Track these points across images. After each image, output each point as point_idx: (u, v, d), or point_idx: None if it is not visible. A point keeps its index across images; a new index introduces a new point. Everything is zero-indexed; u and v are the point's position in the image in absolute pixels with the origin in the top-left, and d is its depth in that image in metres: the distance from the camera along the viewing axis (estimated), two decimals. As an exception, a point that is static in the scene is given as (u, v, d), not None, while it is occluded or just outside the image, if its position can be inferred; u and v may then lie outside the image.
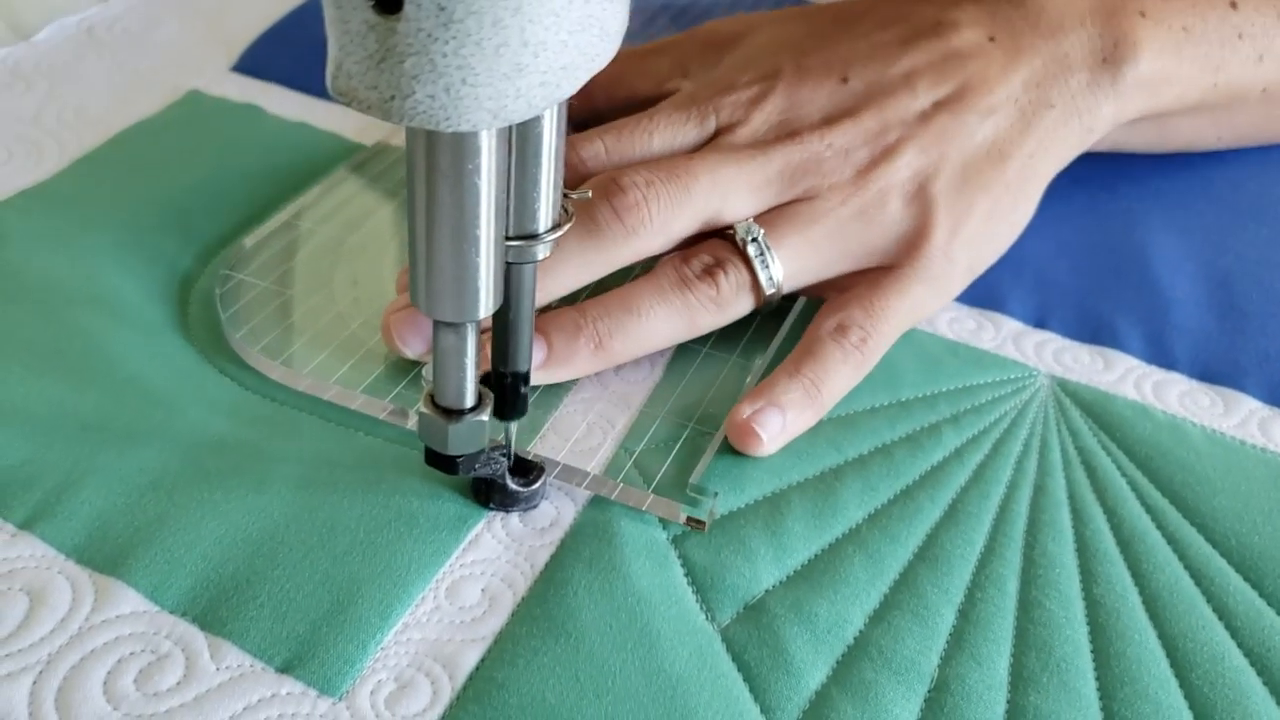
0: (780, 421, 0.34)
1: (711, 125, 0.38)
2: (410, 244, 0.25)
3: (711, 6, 0.57)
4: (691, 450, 0.34)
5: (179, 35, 0.53)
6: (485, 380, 0.30)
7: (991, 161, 0.39)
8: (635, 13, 0.56)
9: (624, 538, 0.31)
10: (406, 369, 0.36)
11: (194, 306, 0.38)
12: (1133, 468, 0.35)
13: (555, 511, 0.32)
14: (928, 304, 0.38)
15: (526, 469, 0.32)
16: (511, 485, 0.31)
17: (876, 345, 0.36)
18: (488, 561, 0.31)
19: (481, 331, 0.28)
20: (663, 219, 0.35)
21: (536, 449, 0.34)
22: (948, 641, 0.30)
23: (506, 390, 0.30)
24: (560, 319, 0.34)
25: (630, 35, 0.40)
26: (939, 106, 0.38)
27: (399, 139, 0.47)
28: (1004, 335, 0.40)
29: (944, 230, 0.37)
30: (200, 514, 0.30)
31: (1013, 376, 0.38)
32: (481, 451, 0.30)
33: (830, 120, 0.38)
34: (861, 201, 0.37)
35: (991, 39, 0.40)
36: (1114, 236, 0.45)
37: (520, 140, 0.26)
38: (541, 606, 0.29)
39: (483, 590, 0.30)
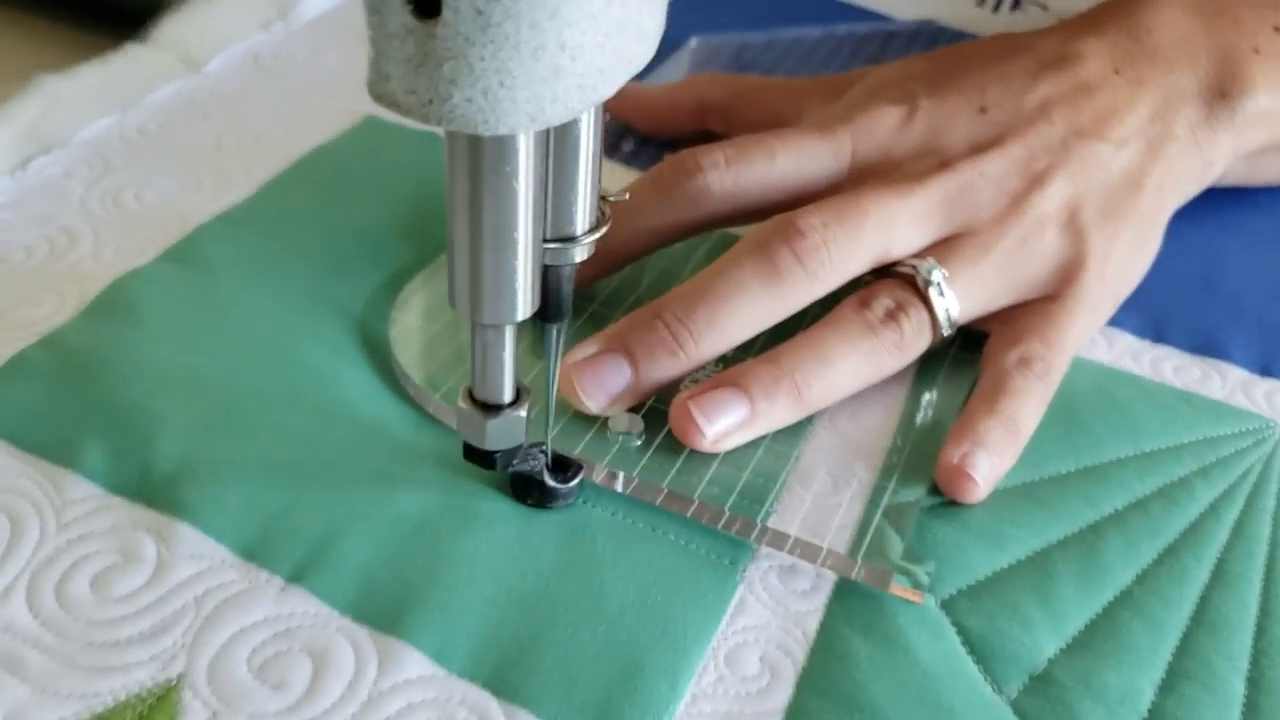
0: (989, 462, 0.33)
1: (846, 150, 0.38)
2: (449, 246, 0.25)
3: (788, 50, 0.56)
4: (892, 503, 0.33)
5: (341, 62, 0.52)
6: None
7: (1129, 191, 0.39)
8: (711, 57, 0.55)
9: (892, 603, 0.30)
10: (589, 415, 0.34)
11: (366, 332, 0.37)
12: None
13: (815, 573, 0.31)
14: (1088, 333, 0.38)
15: (565, 465, 0.32)
16: (550, 482, 0.31)
17: (1057, 376, 0.36)
18: (759, 629, 0.30)
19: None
20: (840, 260, 0.34)
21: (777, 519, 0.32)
22: (1243, 713, 0.29)
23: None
24: (757, 372, 0.34)
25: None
26: (1076, 136, 0.38)
27: None
28: (1232, 384, 0.39)
29: (1098, 258, 0.37)
30: (469, 569, 0.30)
31: (1252, 428, 0.37)
32: (519, 447, 0.30)
33: (978, 149, 0.38)
34: (1021, 231, 0.37)
35: (1116, 71, 0.40)
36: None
37: (558, 143, 0.26)
38: (827, 679, 0.28)
39: (761, 659, 0.29)
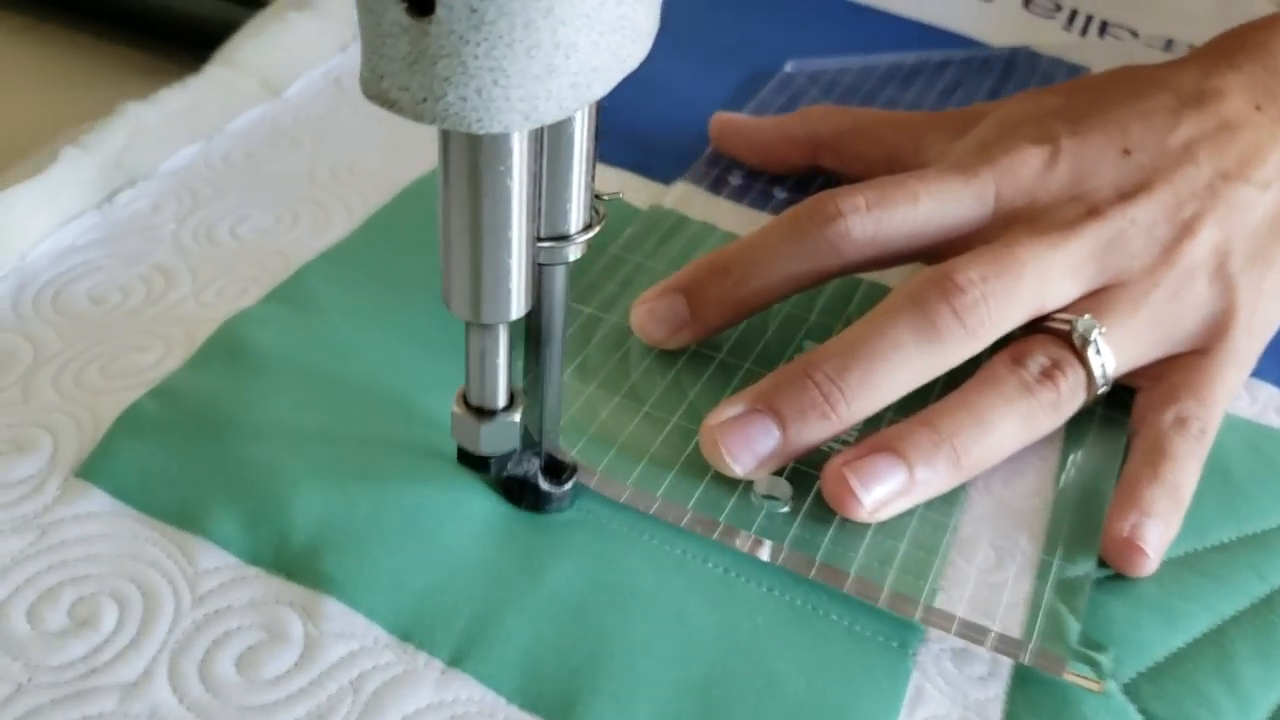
0: (1158, 533, 0.32)
1: (990, 193, 0.36)
2: (441, 245, 0.25)
3: (864, 77, 0.55)
4: (1061, 579, 0.31)
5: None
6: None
7: (1273, 236, 0.37)
8: (807, 84, 0.54)
9: (1073, 690, 0.29)
10: (731, 478, 0.32)
11: None
12: None
13: (990, 656, 0.29)
14: (1238, 387, 0.36)
15: (558, 469, 0.31)
16: (544, 486, 0.31)
17: (1212, 435, 0.35)
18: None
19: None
20: (999, 316, 0.33)
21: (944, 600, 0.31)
22: None
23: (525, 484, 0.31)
24: (914, 436, 0.32)
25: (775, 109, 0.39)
26: (1222, 179, 0.37)
27: (673, 200, 0.44)
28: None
29: (1246, 309, 0.36)
30: (633, 654, 0.28)
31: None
32: (514, 452, 0.30)
33: (1125, 194, 0.36)
34: (1173, 283, 0.35)
35: (1257, 108, 0.39)
36: None
37: (552, 142, 0.26)
38: (1020, 771, 0.27)
39: (949, 751, 0.27)
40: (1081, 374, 0.34)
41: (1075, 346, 0.34)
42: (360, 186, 0.44)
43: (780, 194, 0.45)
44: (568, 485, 0.31)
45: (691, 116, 0.49)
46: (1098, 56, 0.57)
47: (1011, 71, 0.55)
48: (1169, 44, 0.59)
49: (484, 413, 0.29)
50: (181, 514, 0.30)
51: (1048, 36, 0.59)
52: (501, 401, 0.28)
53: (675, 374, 0.36)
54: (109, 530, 0.30)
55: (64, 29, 0.69)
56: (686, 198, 0.44)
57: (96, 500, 0.31)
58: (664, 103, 0.50)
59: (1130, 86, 0.40)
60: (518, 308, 0.26)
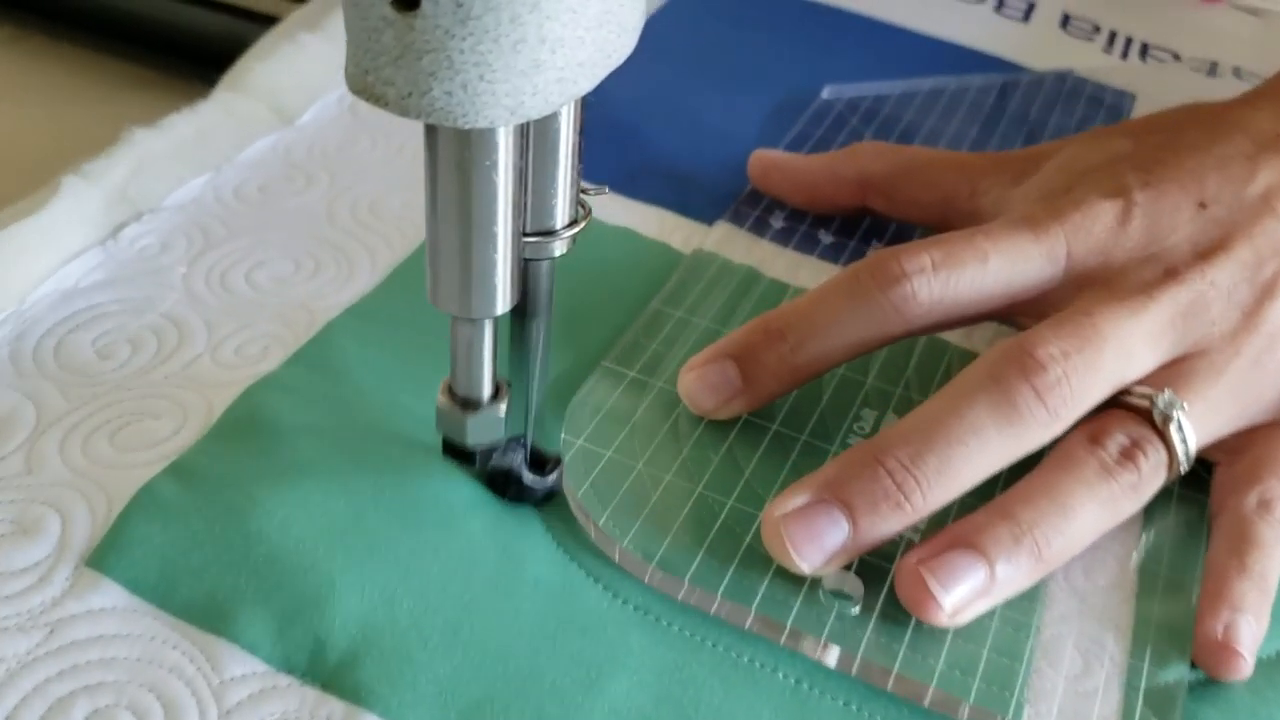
0: (1251, 631, 0.30)
1: (1061, 252, 0.34)
2: (428, 240, 0.25)
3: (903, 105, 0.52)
4: (1152, 686, 0.29)
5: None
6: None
7: None
8: (847, 112, 0.52)
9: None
10: (796, 575, 0.30)
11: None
12: None
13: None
14: None
15: (543, 461, 0.31)
16: (528, 478, 0.31)
17: None
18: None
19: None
20: (1081, 394, 0.31)
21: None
22: None
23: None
24: (993, 530, 0.30)
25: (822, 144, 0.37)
26: None
27: (714, 243, 0.42)
28: None
29: None
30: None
31: None
32: (499, 443, 0.30)
33: (1204, 254, 0.34)
34: (1254, 350, 0.33)
35: None
36: None
37: (538, 137, 0.26)
38: None
39: None
40: (1163, 453, 0.32)
41: (1156, 424, 0.32)
42: (384, 230, 0.41)
43: (826, 238, 0.43)
44: (551, 476, 0.31)
45: (728, 148, 0.47)
46: (1142, 80, 0.55)
47: (1057, 95, 0.53)
48: (1213, 67, 0.57)
49: (470, 404, 0.29)
50: (205, 612, 0.28)
51: (1088, 59, 0.57)
52: (487, 394, 0.29)
53: (728, 448, 0.34)
54: (125, 629, 0.28)
55: (56, 41, 0.67)
56: (728, 240, 0.42)
57: (110, 594, 0.28)
58: (698, 134, 0.48)
59: (1203, 129, 0.38)
60: (504, 303, 0.26)
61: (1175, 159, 0.36)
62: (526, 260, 0.27)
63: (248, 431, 0.32)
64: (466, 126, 0.22)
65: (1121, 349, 0.32)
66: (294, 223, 0.41)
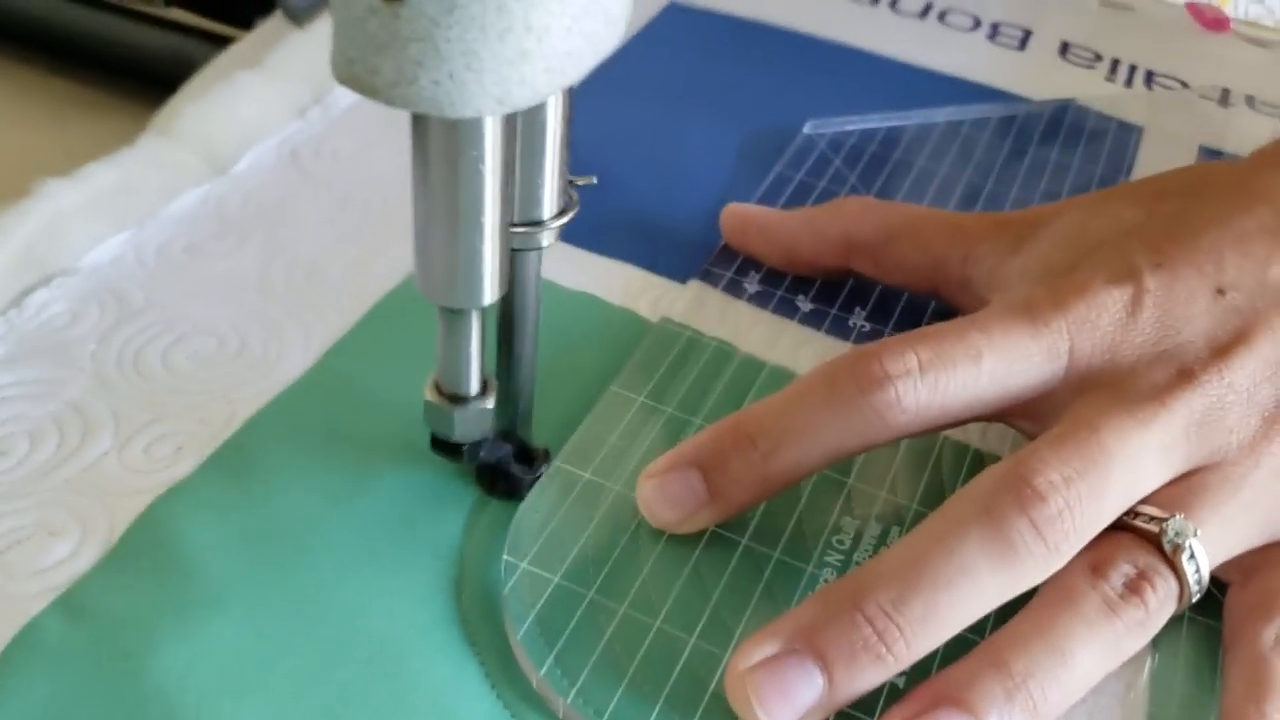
0: None
1: (1063, 348, 0.30)
2: (415, 230, 0.25)
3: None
4: None
5: (395, 158, 0.44)
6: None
7: None
8: (830, 150, 0.48)
9: None
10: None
11: (469, 594, 0.29)
12: None
13: None
14: None
15: (530, 455, 0.32)
16: (516, 472, 0.31)
17: None
18: None
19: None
20: (1085, 524, 0.27)
21: None
22: None
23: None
24: (983, 684, 0.26)
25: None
26: None
27: (685, 307, 0.38)
28: None
29: None
30: None
31: None
32: (486, 438, 0.30)
33: (1221, 350, 0.30)
34: (1276, 460, 0.30)
35: None
36: None
37: (525, 127, 0.26)
38: None
39: None
40: (1173, 584, 0.28)
41: (1165, 551, 0.28)
42: (320, 301, 0.37)
43: (805, 305, 0.39)
44: (540, 471, 0.31)
45: (702, 192, 0.43)
46: (1150, 110, 0.51)
47: (1057, 128, 0.49)
48: (1225, 95, 0.53)
49: (457, 399, 0.29)
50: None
51: (1089, 88, 0.53)
52: (474, 388, 0.29)
53: (693, 567, 0.30)
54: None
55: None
56: (700, 304, 0.38)
57: (-16, 756, 0.25)
58: (669, 178, 0.44)
59: (1220, 197, 0.34)
60: (491, 293, 0.26)
61: (1190, 235, 0.33)
62: (514, 251, 0.28)
63: (151, 555, 0.29)
64: (453, 116, 0.22)
65: (1130, 468, 0.28)
66: (221, 289, 0.37)
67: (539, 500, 0.31)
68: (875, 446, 0.30)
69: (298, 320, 0.36)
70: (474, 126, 0.23)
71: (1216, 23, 0.56)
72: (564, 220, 0.28)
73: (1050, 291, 0.32)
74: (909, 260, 0.38)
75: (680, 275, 0.40)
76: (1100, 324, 0.31)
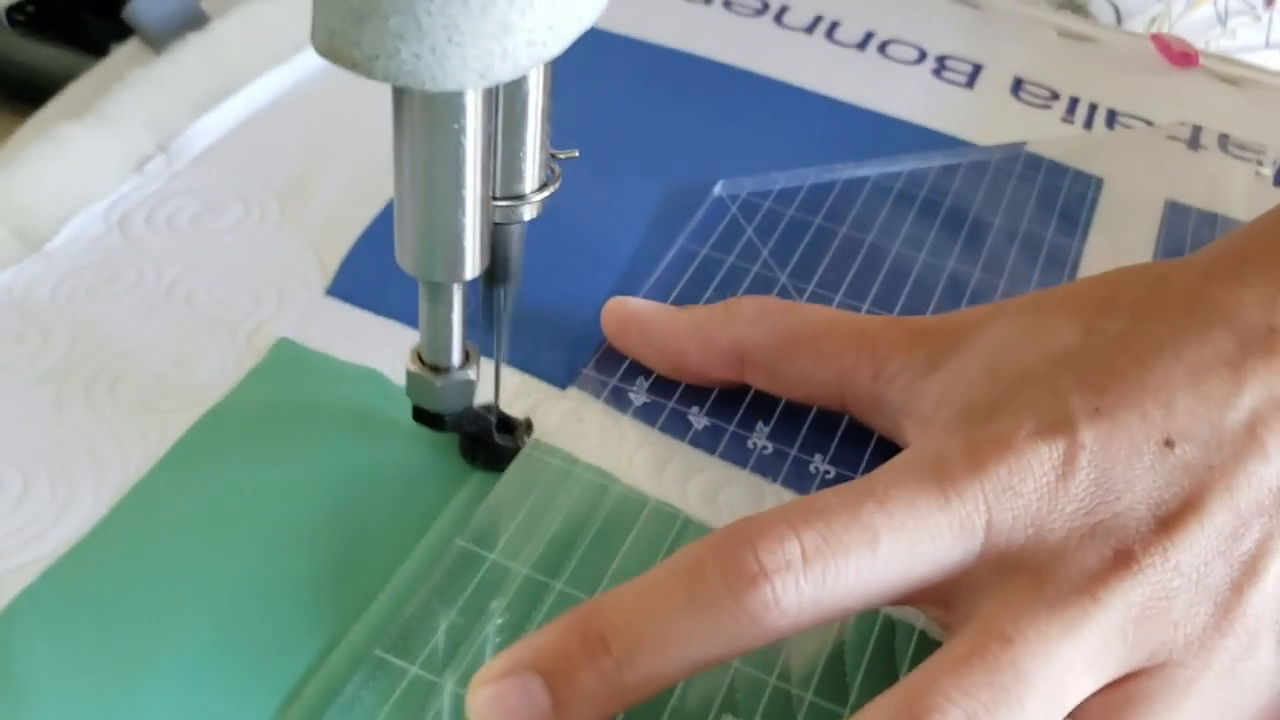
0: None
1: (979, 522, 0.26)
2: (396, 204, 0.25)
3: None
4: None
5: (247, 219, 0.38)
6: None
7: None
8: (745, 212, 0.43)
9: None
10: None
11: None
12: None
13: None
14: None
15: (512, 425, 0.32)
16: (498, 442, 0.31)
17: None
18: None
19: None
20: None
21: None
22: None
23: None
24: None
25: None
26: None
27: (559, 422, 0.33)
28: None
29: None
30: None
31: None
32: (468, 409, 0.30)
33: (1167, 522, 0.26)
34: (1229, 658, 0.25)
35: None
36: None
37: (507, 100, 0.26)
38: None
39: None
40: None
41: None
42: (124, 428, 0.32)
43: (699, 420, 0.34)
44: (523, 441, 0.31)
45: (590, 272, 0.38)
46: (1110, 158, 0.46)
47: (1004, 180, 0.44)
48: (1195, 135, 0.48)
49: (439, 370, 0.29)
50: None
51: (1043, 129, 0.47)
52: (457, 359, 0.29)
53: None
54: None
55: None
56: (578, 417, 0.33)
57: None
58: (556, 253, 0.38)
59: (1172, 315, 0.29)
60: (472, 267, 0.26)
61: (1136, 368, 0.28)
62: (495, 224, 0.28)
63: None
64: (435, 90, 0.22)
65: (1051, 689, 0.24)
66: (9, 413, 0.32)
67: (351, 706, 0.26)
68: (750, 650, 0.25)
69: (92, 456, 0.31)
70: (455, 100, 0.23)
71: (1184, 57, 0.50)
72: (546, 194, 0.28)
73: (966, 447, 0.27)
74: (811, 375, 0.32)
75: (562, 379, 0.35)
76: (1024, 491, 0.26)
